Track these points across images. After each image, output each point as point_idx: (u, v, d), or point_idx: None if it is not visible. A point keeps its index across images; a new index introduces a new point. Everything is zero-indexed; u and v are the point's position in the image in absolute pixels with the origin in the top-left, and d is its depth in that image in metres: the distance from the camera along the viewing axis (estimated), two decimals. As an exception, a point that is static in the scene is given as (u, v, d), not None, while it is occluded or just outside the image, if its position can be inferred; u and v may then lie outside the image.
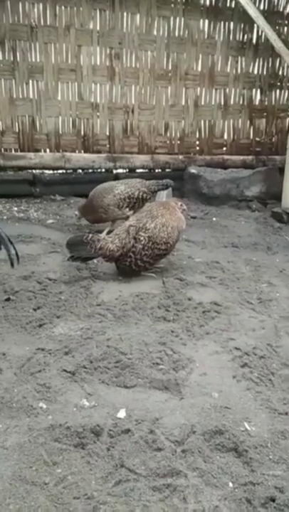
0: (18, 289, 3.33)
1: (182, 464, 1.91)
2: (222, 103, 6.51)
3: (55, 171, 6.03)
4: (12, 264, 3.20)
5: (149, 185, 4.55)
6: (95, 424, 2.07)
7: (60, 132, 5.96)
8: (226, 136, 6.67)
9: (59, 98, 5.85)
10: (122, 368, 2.50)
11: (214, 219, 5.56)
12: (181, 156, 6.43)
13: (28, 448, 1.95)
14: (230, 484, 1.85)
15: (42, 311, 3.09)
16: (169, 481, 1.83)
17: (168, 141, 6.42)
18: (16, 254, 3.22)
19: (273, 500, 1.77)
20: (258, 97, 6.67)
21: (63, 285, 3.47)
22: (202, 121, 6.50)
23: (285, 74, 6.67)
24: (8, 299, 3.21)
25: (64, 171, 6.04)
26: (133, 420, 2.12)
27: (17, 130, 5.80)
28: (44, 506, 1.70)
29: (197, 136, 6.54)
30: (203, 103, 6.43)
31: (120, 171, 6.24)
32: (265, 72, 6.58)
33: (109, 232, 4.13)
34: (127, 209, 4.45)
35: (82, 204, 4.79)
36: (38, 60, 5.66)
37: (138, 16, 5.87)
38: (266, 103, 6.72)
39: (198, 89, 6.37)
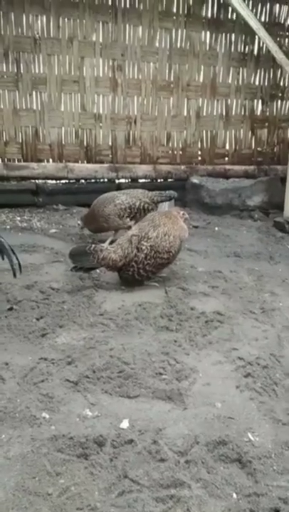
0: (21, 298, 3.33)
1: (186, 475, 1.90)
2: (224, 114, 6.56)
3: (58, 181, 6.05)
4: (14, 274, 3.21)
5: (151, 196, 4.57)
6: (98, 434, 2.06)
7: (63, 143, 6.00)
8: (227, 147, 6.71)
9: (62, 109, 5.90)
10: (125, 378, 2.49)
11: (216, 228, 5.57)
12: (183, 166, 6.47)
13: (31, 458, 1.94)
14: (234, 495, 1.84)
15: (45, 321, 3.09)
16: (173, 491, 1.82)
17: (170, 152, 6.46)
18: (19, 263, 3.23)
19: (278, 511, 1.75)
20: (260, 107, 6.72)
21: (66, 295, 3.48)
22: (204, 132, 6.54)
23: (286, 85, 6.72)
24: (11, 309, 3.22)
25: (67, 181, 6.07)
26: (136, 431, 2.12)
27: (20, 140, 5.84)
28: (47, 517, 1.69)
29: (199, 146, 6.58)
30: (205, 114, 6.48)
31: (123, 180, 6.27)
32: (266, 83, 6.64)
33: (111, 242, 4.14)
34: (128, 219, 4.46)
35: (84, 214, 4.81)
36: (42, 71, 5.72)
37: (140, 28, 5.94)
38: (268, 113, 6.76)
39: (200, 100, 6.42)
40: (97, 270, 3.82)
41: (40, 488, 1.81)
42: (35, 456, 1.95)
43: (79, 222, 4.80)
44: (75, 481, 1.85)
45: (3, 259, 3.24)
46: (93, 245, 3.59)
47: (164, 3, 5.93)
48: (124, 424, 2.16)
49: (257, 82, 6.60)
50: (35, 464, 1.91)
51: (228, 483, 1.89)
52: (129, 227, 4.25)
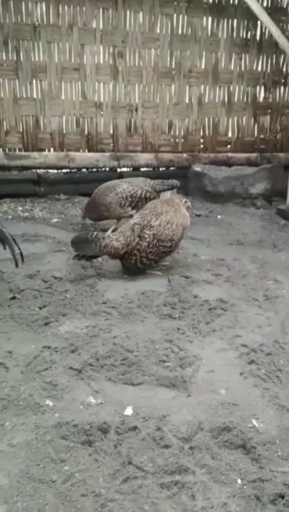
0: (24, 287, 3.33)
1: (190, 461, 1.90)
2: (226, 101, 6.49)
3: (60, 171, 6.02)
4: (16, 264, 3.20)
5: (154, 184, 4.53)
6: (102, 421, 2.06)
7: (64, 131, 5.95)
8: (230, 134, 6.65)
9: (63, 97, 5.85)
10: (129, 366, 2.49)
11: (219, 217, 5.54)
12: (185, 154, 6.42)
13: (36, 446, 1.95)
14: (239, 481, 1.83)
15: (48, 310, 3.08)
16: (177, 478, 1.82)
17: (172, 140, 6.41)
18: (21, 253, 3.22)
19: (282, 497, 1.75)
20: (262, 94, 6.64)
21: (69, 283, 3.47)
22: (206, 119, 6.48)
23: (289, 71, 6.65)
24: (13, 298, 3.21)
25: (68, 170, 6.04)
26: (140, 417, 2.11)
27: (21, 130, 5.80)
28: (52, 504, 1.69)
29: (201, 134, 6.52)
30: (207, 101, 6.41)
31: (124, 169, 6.24)
32: (269, 69, 6.55)
33: (114, 231, 4.12)
34: (129, 208, 4.42)
35: (84, 203, 4.79)
36: (42, 59, 5.66)
37: (141, 14, 5.86)
38: (270, 100, 6.68)
39: (202, 86, 6.35)
40: (100, 259, 3.81)
41: (45, 475, 1.81)
42: (40, 443, 1.96)
43: (80, 211, 4.78)
44: (80, 467, 1.85)
45: (4, 248, 3.23)
46: (95, 233, 3.57)
47: (165, -12, 5.85)
48: (128, 411, 2.16)
49: (259, 68, 6.52)
50: (40, 451, 1.92)
51: (233, 469, 1.89)
52: (131, 216, 4.23)
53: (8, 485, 1.76)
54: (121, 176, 6.08)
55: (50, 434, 2.00)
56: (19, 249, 3.20)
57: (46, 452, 1.91)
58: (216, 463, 1.90)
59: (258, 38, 6.37)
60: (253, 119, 6.68)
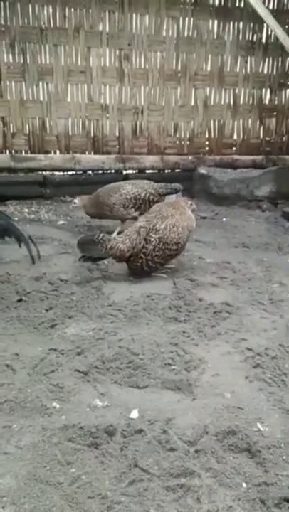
0: (30, 289, 3.35)
1: (195, 465, 1.91)
2: (232, 103, 6.50)
3: (66, 173, 6.05)
4: (33, 261, 3.26)
5: (157, 187, 4.55)
6: (108, 424, 2.07)
7: (70, 134, 5.98)
8: (235, 136, 6.66)
9: (69, 100, 5.88)
10: (134, 369, 2.51)
11: (224, 219, 5.55)
12: (190, 157, 6.43)
13: (42, 448, 1.96)
14: (244, 484, 1.85)
15: (54, 312, 3.11)
16: (183, 481, 1.83)
17: (177, 142, 6.42)
18: (37, 251, 3.28)
19: (287, 500, 1.76)
20: (268, 96, 6.65)
21: (75, 286, 3.49)
22: (212, 122, 6.49)
23: (294, 73, 6.65)
24: (20, 300, 3.24)
25: (74, 173, 6.07)
26: (146, 420, 2.13)
27: (27, 132, 5.84)
28: (58, 506, 1.71)
29: (207, 136, 6.53)
30: (212, 103, 6.42)
31: (130, 171, 6.26)
32: (274, 72, 6.56)
33: (119, 233, 4.14)
34: (133, 209, 4.43)
35: (86, 196, 4.74)
36: (48, 62, 5.70)
37: (147, 16, 5.88)
38: (276, 102, 6.69)
39: (208, 89, 6.36)
40: (105, 261, 3.83)
41: (52, 477, 1.83)
42: (46, 445, 1.97)
43: (76, 201, 4.71)
44: (86, 470, 1.87)
45: (20, 246, 3.30)
46: (101, 235, 3.59)
47: (171, -9, 5.87)
48: (134, 414, 2.18)
49: (265, 71, 6.52)
50: (47, 453, 1.93)
51: (238, 472, 1.90)
52: (134, 218, 4.25)
53: (16, 487, 1.78)
54: (126, 178, 6.10)
55: (57, 437, 2.02)
56: (35, 246, 3.26)
57: (53, 454, 1.93)
58: (221, 466, 1.91)
59: (263, 40, 6.38)
60: (258, 122, 6.68)
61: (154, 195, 4.49)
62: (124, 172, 6.21)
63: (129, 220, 4.46)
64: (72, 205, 4.81)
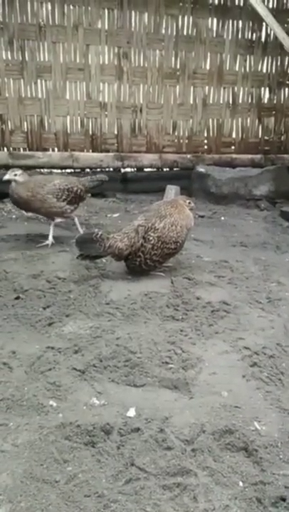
0: (28, 287, 3.35)
1: (192, 463, 1.91)
2: (230, 102, 6.50)
3: (64, 170, 6.04)
4: None
5: (84, 181, 4.51)
6: (105, 422, 2.07)
7: (69, 131, 5.98)
8: (234, 135, 6.66)
9: (67, 97, 5.87)
10: (132, 367, 2.50)
11: (222, 218, 5.55)
12: (189, 155, 6.43)
13: (39, 446, 1.96)
14: (241, 483, 1.84)
15: (51, 310, 3.10)
16: (179, 479, 1.83)
17: (176, 140, 6.42)
18: None
19: (284, 499, 1.76)
20: (267, 95, 6.66)
21: (72, 284, 3.48)
22: (210, 120, 6.50)
23: (293, 72, 6.65)
24: (17, 298, 3.23)
25: (72, 170, 6.06)
26: (143, 419, 2.12)
27: (26, 129, 5.83)
28: (55, 504, 1.70)
29: (205, 135, 6.54)
30: (211, 102, 6.42)
31: (128, 169, 6.25)
32: (273, 71, 6.57)
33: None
34: (65, 202, 4.29)
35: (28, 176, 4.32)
36: (47, 59, 5.69)
37: (146, 14, 5.88)
38: (275, 101, 6.70)
39: (207, 88, 6.37)
40: (103, 260, 3.82)
41: (48, 475, 1.82)
42: (43, 443, 1.97)
43: (17, 173, 4.13)
44: (83, 468, 1.86)
45: None
46: (100, 233, 3.58)
47: (170, -11, 5.86)
48: (131, 412, 2.17)
49: (264, 70, 6.53)
50: (43, 452, 1.93)
51: (235, 471, 1.90)
52: (65, 211, 4.26)
53: (12, 485, 1.78)
54: (125, 176, 6.11)
55: (54, 435, 2.01)
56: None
57: (50, 452, 1.93)
58: (217, 465, 1.91)
59: (263, 39, 6.39)
60: (257, 121, 6.69)
61: (82, 190, 4.42)
62: (123, 170, 6.21)
63: (60, 217, 4.34)
64: (13, 176, 4.11)
